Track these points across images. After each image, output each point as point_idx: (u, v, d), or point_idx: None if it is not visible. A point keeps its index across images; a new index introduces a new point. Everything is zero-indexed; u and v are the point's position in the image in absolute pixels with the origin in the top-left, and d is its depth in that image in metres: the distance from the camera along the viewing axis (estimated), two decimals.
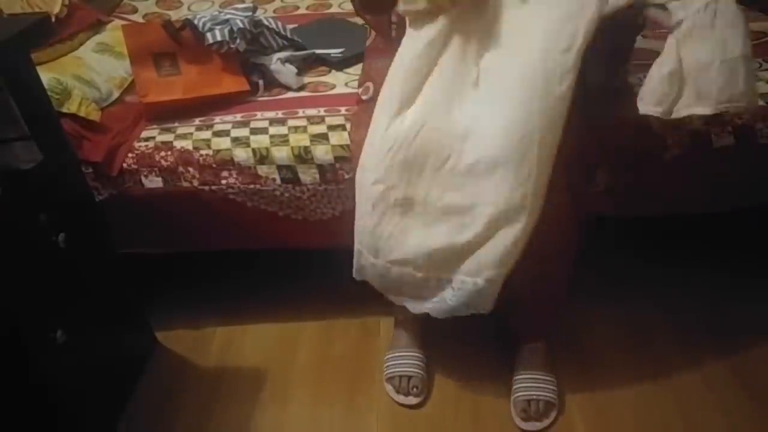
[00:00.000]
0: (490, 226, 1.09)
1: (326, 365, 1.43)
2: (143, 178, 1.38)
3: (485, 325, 1.27)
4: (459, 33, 1.14)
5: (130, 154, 1.39)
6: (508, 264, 1.11)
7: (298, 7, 2.12)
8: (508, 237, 1.09)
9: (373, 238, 1.18)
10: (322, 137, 1.37)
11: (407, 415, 1.30)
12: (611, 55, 1.21)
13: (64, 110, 1.36)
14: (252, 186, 1.38)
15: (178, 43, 1.55)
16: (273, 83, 1.60)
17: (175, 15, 2.03)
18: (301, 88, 1.59)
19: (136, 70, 1.53)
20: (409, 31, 1.18)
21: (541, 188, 1.08)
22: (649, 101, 1.11)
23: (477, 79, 1.13)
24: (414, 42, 1.16)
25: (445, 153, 1.11)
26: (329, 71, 1.66)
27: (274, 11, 2.09)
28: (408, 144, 1.11)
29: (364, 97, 1.39)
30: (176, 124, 1.47)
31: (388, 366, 1.36)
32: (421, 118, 1.12)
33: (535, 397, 1.26)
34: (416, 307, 1.25)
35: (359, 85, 1.46)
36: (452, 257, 1.15)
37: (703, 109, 1.07)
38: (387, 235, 1.16)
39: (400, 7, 1.15)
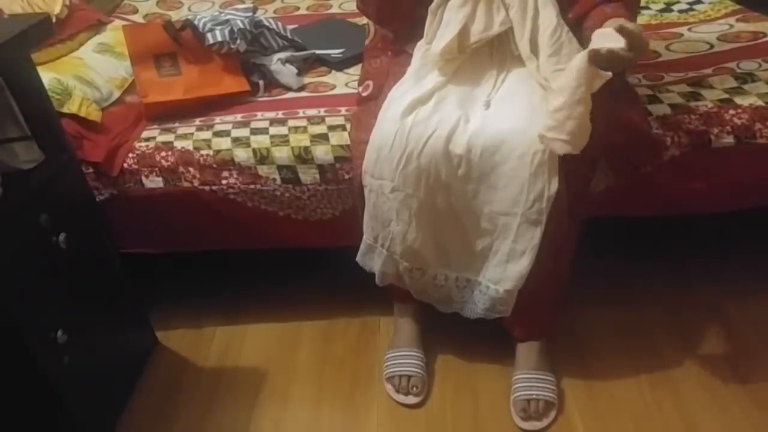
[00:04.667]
0: (516, 239, 1.14)
1: (326, 365, 1.43)
2: (144, 178, 1.39)
3: (485, 324, 1.27)
4: (474, 70, 1.23)
5: (130, 155, 1.40)
6: (525, 276, 1.15)
7: (298, 8, 2.12)
8: (527, 255, 1.14)
9: (404, 245, 1.21)
10: (323, 137, 1.37)
11: (407, 414, 1.30)
12: None
13: (65, 110, 1.36)
14: (252, 186, 1.38)
15: (178, 43, 1.55)
16: (273, 84, 1.60)
17: (175, 15, 2.03)
18: (302, 88, 1.59)
19: (136, 70, 1.53)
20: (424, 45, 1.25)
21: (552, 198, 1.11)
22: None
23: (488, 103, 1.18)
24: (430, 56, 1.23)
25: (455, 161, 1.13)
26: (329, 72, 1.67)
27: (275, 12, 2.10)
28: (418, 153, 1.13)
29: (364, 94, 1.40)
30: (177, 125, 1.48)
31: (387, 365, 1.36)
32: (433, 124, 1.13)
33: (534, 396, 1.26)
34: (445, 308, 1.30)
35: (359, 84, 1.47)
36: (477, 259, 1.21)
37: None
38: (417, 240, 1.19)
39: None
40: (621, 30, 0.98)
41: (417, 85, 1.22)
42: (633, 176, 1.35)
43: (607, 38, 1.00)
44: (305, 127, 1.41)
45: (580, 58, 1.01)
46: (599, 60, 0.99)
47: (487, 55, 1.25)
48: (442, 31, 1.20)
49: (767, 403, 1.25)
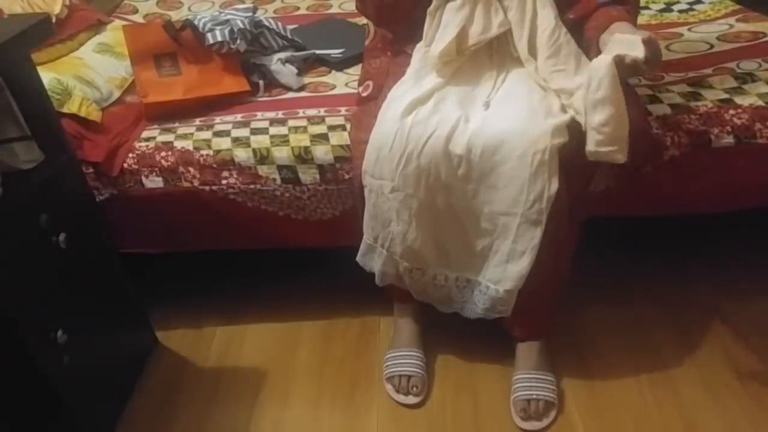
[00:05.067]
0: (516, 239, 1.13)
1: (326, 365, 1.43)
2: (144, 178, 1.39)
3: (485, 324, 1.27)
4: (473, 71, 1.23)
5: (130, 155, 1.40)
6: (525, 276, 1.15)
7: (298, 8, 2.12)
8: (527, 255, 1.13)
9: (404, 245, 1.21)
10: (323, 137, 1.37)
11: (407, 414, 1.30)
12: None
13: (65, 110, 1.36)
14: (252, 186, 1.38)
15: (178, 43, 1.55)
16: (273, 83, 1.60)
17: (175, 15, 2.04)
18: (302, 88, 1.59)
19: (136, 70, 1.54)
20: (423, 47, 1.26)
21: (552, 198, 1.10)
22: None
23: (488, 103, 1.18)
24: (429, 58, 1.23)
25: (455, 161, 1.13)
26: (329, 72, 1.67)
27: (275, 12, 2.10)
28: (418, 153, 1.13)
29: (364, 94, 1.40)
30: (177, 125, 1.48)
31: (387, 365, 1.36)
32: (432, 124, 1.13)
33: (534, 396, 1.26)
34: (445, 308, 1.30)
35: (359, 84, 1.47)
36: (477, 259, 1.21)
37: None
38: (417, 240, 1.19)
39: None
40: (648, 41, 0.98)
41: (416, 85, 1.22)
42: (633, 176, 1.35)
43: (630, 45, 1.00)
44: (305, 127, 1.41)
45: (607, 65, 1.00)
46: (620, 67, 0.99)
47: (487, 56, 1.25)
48: (440, 33, 1.20)
49: (767, 402, 1.25)
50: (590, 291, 1.49)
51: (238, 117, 1.48)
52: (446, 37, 1.18)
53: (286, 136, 1.39)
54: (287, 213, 1.41)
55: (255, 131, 1.41)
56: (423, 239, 1.20)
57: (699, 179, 1.36)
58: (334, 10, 2.07)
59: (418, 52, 1.28)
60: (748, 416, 1.23)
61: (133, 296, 1.39)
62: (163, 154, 1.39)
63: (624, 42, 1.03)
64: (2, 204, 1.01)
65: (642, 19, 1.79)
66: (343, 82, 1.60)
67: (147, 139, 1.43)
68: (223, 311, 1.58)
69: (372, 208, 1.22)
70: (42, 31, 1.09)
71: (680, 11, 1.83)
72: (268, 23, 1.67)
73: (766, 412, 1.24)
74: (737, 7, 1.80)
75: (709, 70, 1.47)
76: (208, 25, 1.55)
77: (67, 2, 1.68)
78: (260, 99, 1.57)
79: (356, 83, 1.52)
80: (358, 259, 1.30)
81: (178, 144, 1.41)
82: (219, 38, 1.53)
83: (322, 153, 1.36)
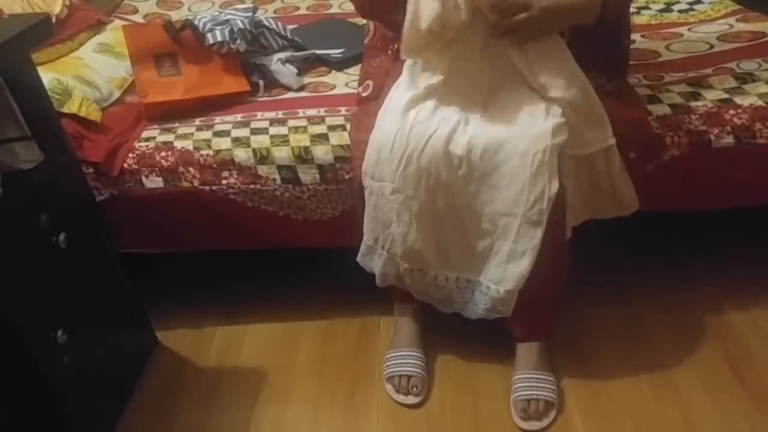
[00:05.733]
0: (516, 240, 1.13)
1: (326, 365, 1.43)
2: (144, 178, 1.39)
3: (485, 324, 1.27)
4: (472, 73, 1.20)
5: (130, 155, 1.40)
6: (526, 277, 1.15)
7: (298, 8, 2.13)
8: (528, 255, 1.13)
9: (405, 246, 1.20)
10: (323, 137, 1.37)
11: (407, 414, 1.30)
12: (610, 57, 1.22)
13: (65, 110, 1.36)
14: (252, 186, 1.38)
15: (178, 43, 1.55)
16: (273, 84, 1.60)
17: (175, 15, 2.04)
18: (302, 88, 1.59)
19: (136, 70, 1.54)
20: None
21: (552, 198, 1.10)
22: None
23: (488, 104, 1.17)
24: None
25: (455, 162, 1.13)
26: (329, 72, 1.67)
27: (275, 12, 2.10)
28: (418, 154, 1.12)
29: (364, 94, 1.40)
30: (177, 125, 1.48)
31: (387, 365, 1.36)
32: (433, 125, 1.13)
33: (534, 396, 1.26)
34: (446, 308, 1.30)
35: (359, 84, 1.47)
36: (477, 260, 1.20)
37: None
38: (418, 241, 1.19)
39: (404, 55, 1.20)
40: None
41: (414, 84, 1.21)
42: (633, 176, 1.34)
43: None
44: (305, 127, 1.41)
45: None
46: None
47: (486, 61, 1.24)
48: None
49: (767, 403, 1.25)
50: (590, 290, 1.49)
51: (238, 117, 1.48)
52: (427, 10, 1.11)
53: (286, 136, 1.39)
54: (287, 213, 1.41)
55: (255, 131, 1.41)
56: (423, 240, 1.20)
57: (699, 179, 1.36)
58: (334, 10, 2.07)
59: None
60: (748, 416, 1.23)
61: (133, 296, 1.39)
62: (163, 154, 1.39)
63: None
64: (2, 204, 1.01)
65: (642, 19, 1.79)
66: (343, 82, 1.60)
67: (147, 139, 1.43)
68: (223, 311, 1.58)
69: (372, 209, 1.22)
70: (42, 31, 1.09)
71: (680, 11, 1.83)
72: (268, 23, 1.67)
73: (765, 413, 1.24)
74: (737, 7, 1.80)
75: (709, 70, 1.47)
76: (208, 25, 1.55)
77: (67, 2, 1.68)
78: (260, 99, 1.57)
79: (356, 83, 1.52)
80: (358, 259, 1.30)
81: (178, 144, 1.41)
82: (219, 38, 1.54)
83: (322, 153, 1.36)
